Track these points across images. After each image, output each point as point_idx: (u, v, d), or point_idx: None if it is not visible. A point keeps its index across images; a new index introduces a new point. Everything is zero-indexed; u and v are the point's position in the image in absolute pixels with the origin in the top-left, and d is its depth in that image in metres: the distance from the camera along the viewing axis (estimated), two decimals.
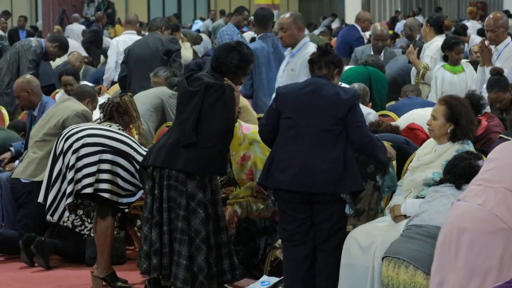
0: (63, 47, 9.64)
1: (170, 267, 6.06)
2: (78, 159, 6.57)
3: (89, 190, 6.56)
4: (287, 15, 8.00)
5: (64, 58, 11.97)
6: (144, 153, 6.57)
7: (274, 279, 6.26)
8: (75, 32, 20.22)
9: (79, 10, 25.03)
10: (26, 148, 7.99)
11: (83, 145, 6.58)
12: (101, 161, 6.58)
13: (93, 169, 6.57)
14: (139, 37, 12.38)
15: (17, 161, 8.06)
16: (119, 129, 6.78)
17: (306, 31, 15.42)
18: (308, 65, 6.10)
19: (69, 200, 6.58)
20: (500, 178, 4.96)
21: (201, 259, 6.02)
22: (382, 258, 5.52)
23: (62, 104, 7.80)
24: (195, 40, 18.82)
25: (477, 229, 4.83)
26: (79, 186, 6.56)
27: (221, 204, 6.26)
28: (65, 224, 7.37)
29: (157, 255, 6.07)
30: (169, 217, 6.07)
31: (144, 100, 8.44)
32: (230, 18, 14.94)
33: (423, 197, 5.84)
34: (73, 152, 6.57)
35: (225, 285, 6.29)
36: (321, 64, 5.99)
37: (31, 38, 9.65)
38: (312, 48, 7.75)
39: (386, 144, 6.20)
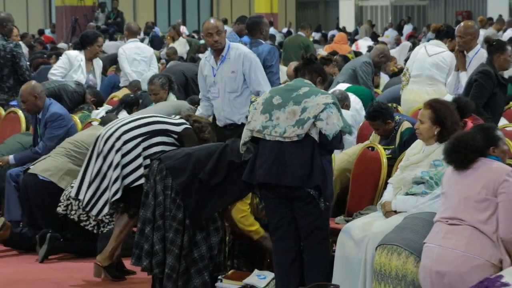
0: (98, 103, 9.69)
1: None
2: (123, 156, 6.61)
3: (141, 181, 6.58)
4: (212, 20, 7.70)
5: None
6: (176, 121, 6.74)
7: (269, 273, 6.25)
8: None
9: (90, 19, 25.08)
10: (35, 146, 8.15)
11: (124, 143, 6.62)
12: (144, 149, 6.62)
13: (139, 161, 6.61)
14: (143, 45, 12.50)
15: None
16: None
17: (302, 33, 15.36)
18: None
19: (117, 196, 6.60)
20: (460, 214, 5.16)
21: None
22: (376, 247, 5.55)
23: (94, 132, 7.74)
24: (199, 48, 18.85)
25: (454, 273, 5.06)
26: (129, 180, 6.61)
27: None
28: (71, 217, 7.37)
29: (159, 254, 6.21)
30: (169, 224, 6.23)
31: (161, 108, 8.52)
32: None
33: (413, 194, 5.88)
34: (117, 151, 6.61)
35: (219, 278, 6.33)
36: (305, 72, 6.09)
37: (74, 81, 9.72)
38: (241, 47, 7.76)
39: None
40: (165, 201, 6.23)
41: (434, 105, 5.94)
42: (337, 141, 5.85)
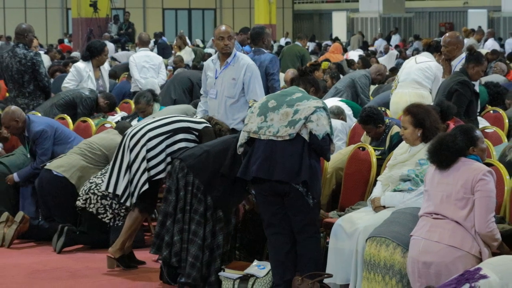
0: (112, 105, 9.72)
1: (186, 261, 6.23)
2: (148, 150, 6.61)
3: (163, 175, 6.61)
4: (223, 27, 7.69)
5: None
6: (197, 120, 6.80)
7: (268, 264, 6.23)
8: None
9: (104, 30, 25.08)
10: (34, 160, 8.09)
11: (149, 139, 6.62)
12: (167, 146, 6.63)
13: (162, 156, 6.61)
14: (153, 53, 12.53)
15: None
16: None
17: (299, 43, 15.31)
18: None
19: (145, 187, 6.61)
20: (442, 211, 5.19)
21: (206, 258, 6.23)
22: (366, 240, 5.55)
23: (108, 136, 7.95)
24: (203, 56, 18.85)
25: (439, 263, 5.10)
26: (152, 173, 6.61)
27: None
28: (90, 210, 7.36)
29: (177, 245, 6.21)
30: (189, 218, 6.22)
31: (170, 112, 8.61)
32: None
33: (400, 190, 5.87)
34: (142, 146, 6.61)
35: (222, 267, 6.31)
36: (299, 82, 6.15)
37: (88, 88, 9.75)
38: (246, 58, 7.72)
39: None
40: (185, 196, 6.24)
41: (412, 110, 5.94)
42: (325, 143, 5.85)
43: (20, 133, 8.24)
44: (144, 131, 6.68)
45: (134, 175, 6.63)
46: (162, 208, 6.35)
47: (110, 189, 6.76)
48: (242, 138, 6.00)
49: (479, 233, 5.13)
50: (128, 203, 6.71)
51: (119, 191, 6.71)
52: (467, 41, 17.76)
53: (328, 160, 6.18)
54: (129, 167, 6.65)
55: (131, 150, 6.65)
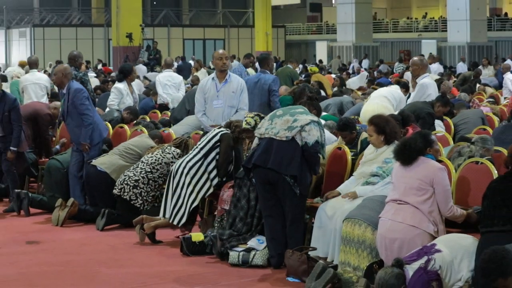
0: (134, 114, 9.60)
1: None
2: (192, 177, 6.65)
3: (211, 191, 6.67)
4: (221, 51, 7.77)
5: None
6: (213, 134, 6.74)
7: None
8: (141, 70, 20.46)
9: (137, 56, 25.06)
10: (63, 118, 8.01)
11: (190, 168, 6.67)
12: (206, 167, 6.66)
13: (205, 176, 6.66)
14: (175, 74, 12.54)
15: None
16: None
17: (290, 66, 15.17)
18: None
19: (195, 204, 6.66)
20: (405, 198, 5.18)
21: None
22: (343, 220, 5.52)
23: (142, 139, 7.90)
24: None
25: (402, 239, 5.08)
26: (202, 193, 6.66)
27: None
28: (124, 197, 7.28)
29: (240, 240, 6.16)
30: (256, 222, 6.19)
31: (191, 121, 8.65)
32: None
33: (371, 183, 5.81)
34: (186, 175, 6.65)
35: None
36: (305, 104, 6.21)
37: (116, 110, 9.72)
38: (238, 77, 7.73)
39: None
40: (256, 205, 6.17)
41: (374, 120, 5.89)
42: (314, 149, 5.82)
43: (59, 85, 8.05)
44: (184, 163, 6.71)
45: (184, 198, 6.63)
46: (233, 212, 6.26)
47: (161, 214, 6.77)
48: (254, 143, 6.04)
49: (444, 215, 5.14)
50: (175, 222, 6.69)
51: (167, 215, 6.71)
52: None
53: (315, 173, 6.11)
54: (176, 193, 6.66)
55: (178, 181, 6.67)
